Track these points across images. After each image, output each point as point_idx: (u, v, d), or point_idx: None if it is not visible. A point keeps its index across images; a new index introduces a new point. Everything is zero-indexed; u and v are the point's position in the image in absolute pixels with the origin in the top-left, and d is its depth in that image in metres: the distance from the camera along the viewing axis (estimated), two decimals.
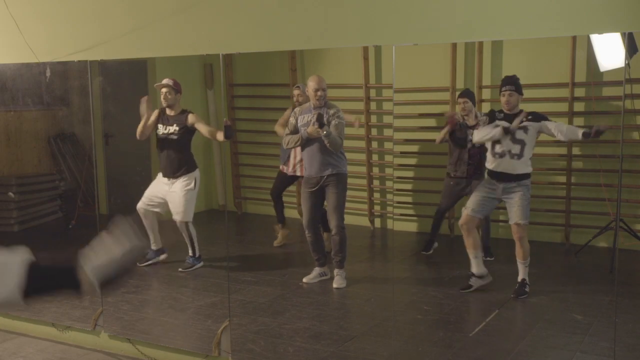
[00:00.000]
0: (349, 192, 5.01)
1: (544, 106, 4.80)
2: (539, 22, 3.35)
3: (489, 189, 4.44)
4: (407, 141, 5.01)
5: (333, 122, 4.79)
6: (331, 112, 4.80)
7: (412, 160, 5.12)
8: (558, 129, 4.27)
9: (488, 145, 4.40)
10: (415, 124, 4.99)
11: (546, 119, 4.32)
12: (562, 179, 4.79)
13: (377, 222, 5.74)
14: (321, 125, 4.72)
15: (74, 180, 6.27)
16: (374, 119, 5.36)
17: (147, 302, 5.00)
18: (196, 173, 5.32)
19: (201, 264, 5.32)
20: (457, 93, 4.78)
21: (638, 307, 3.98)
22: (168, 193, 5.28)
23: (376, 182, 5.37)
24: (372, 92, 5.29)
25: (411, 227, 5.17)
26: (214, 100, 5.93)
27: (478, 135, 4.40)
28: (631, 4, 3.13)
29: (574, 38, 4.21)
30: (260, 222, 6.00)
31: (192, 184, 5.29)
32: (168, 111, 5.27)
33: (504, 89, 4.38)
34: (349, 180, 5.00)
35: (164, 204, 5.34)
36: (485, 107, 4.89)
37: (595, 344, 3.81)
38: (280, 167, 5.42)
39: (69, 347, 4.89)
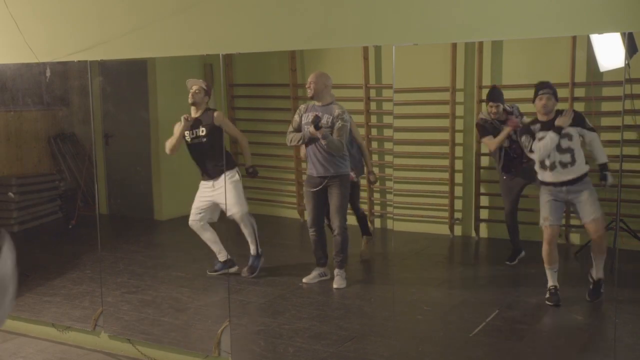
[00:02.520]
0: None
1: None
2: (539, 22, 3.34)
3: (553, 193, 4.28)
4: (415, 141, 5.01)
5: (337, 125, 4.74)
6: (336, 113, 4.74)
7: (412, 161, 5.12)
8: (591, 144, 4.18)
9: (534, 158, 4.27)
10: (415, 124, 4.98)
11: (583, 124, 4.19)
12: None
13: (377, 222, 5.73)
14: (316, 127, 4.69)
15: (74, 180, 6.27)
16: (374, 119, 5.36)
17: (147, 302, 5.00)
18: (237, 168, 5.14)
19: (262, 260, 5.20)
20: (460, 92, 4.77)
21: (638, 307, 3.97)
22: (214, 195, 5.11)
23: (376, 183, 5.37)
24: (372, 92, 5.28)
25: (411, 227, 5.16)
26: (214, 100, 5.92)
27: (537, 154, 4.25)
28: (631, 4, 3.13)
29: (574, 38, 4.21)
30: (260, 222, 6.00)
31: (237, 176, 5.10)
32: (193, 112, 5.12)
33: (541, 92, 4.23)
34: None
35: (213, 208, 5.17)
36: (485, 107, 4.89)
37: (595, 344, 3.81)
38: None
39: (69, 347, 4.89)
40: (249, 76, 5.88)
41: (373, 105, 5.31)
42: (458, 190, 4.89)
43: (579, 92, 4.60)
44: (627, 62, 3.30)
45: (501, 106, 4.57)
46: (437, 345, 4.04)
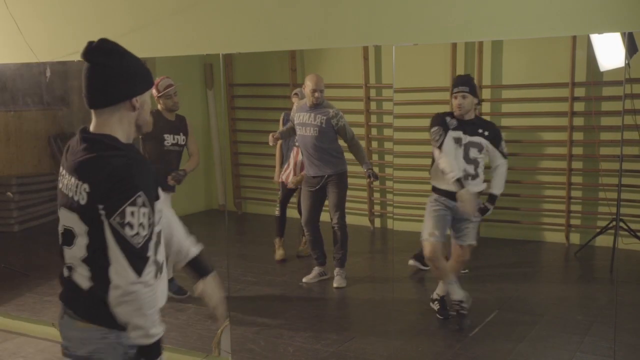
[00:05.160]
0: (349, 192, 5.00)
1: (544, 106, 4.81)
2: (539, 22, 3.34)
3: (442, 205, 3.96)
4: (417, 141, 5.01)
5: (339, 126, 4.71)
6: (331, 114, 4.73)
7: (412, 160, 5.12)
8: (496, 170, 3.91)
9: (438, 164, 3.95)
10: (415, 124, 4.99)
11: (499, 146, 3.89)
12: (563, 179, 4.80)
13: (377, 222, 5.74)
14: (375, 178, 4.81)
15: None
16: (374, 119, 5.37)
17: None
18: None
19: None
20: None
21: (638, 307, 3.98)
22: None
23: (376, 182, 5.37)
24: (372, 92, 5.30)
25: (411, 227, 5.17)
26: (214, 100, 5.93)
27: (445, 157, 3.89)
28: (631, 4, 3.12)
29: (574, 38, 4.22)
30: (260, 222, 6.00)
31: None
32: (168, 115, 4.65)
33: (456, 90, 3.88)
34: (350, 180, 5.00)
35: None
36: (486, 107, 4.90)
37: (595, 344, 3.81)
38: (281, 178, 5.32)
39: None
40: (249, 76, 5.89)
41: (373, 105, 5.33)
42: None
43: (579, 91, 4.61)
44: (627, 62, 3.30)
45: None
46: (437, 345, 4.04)
